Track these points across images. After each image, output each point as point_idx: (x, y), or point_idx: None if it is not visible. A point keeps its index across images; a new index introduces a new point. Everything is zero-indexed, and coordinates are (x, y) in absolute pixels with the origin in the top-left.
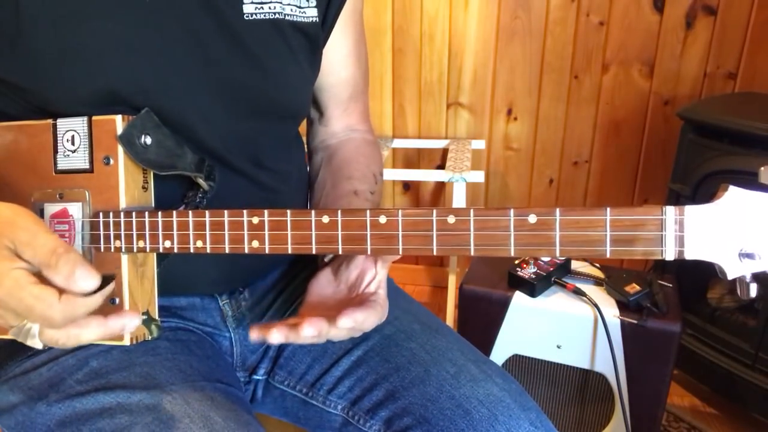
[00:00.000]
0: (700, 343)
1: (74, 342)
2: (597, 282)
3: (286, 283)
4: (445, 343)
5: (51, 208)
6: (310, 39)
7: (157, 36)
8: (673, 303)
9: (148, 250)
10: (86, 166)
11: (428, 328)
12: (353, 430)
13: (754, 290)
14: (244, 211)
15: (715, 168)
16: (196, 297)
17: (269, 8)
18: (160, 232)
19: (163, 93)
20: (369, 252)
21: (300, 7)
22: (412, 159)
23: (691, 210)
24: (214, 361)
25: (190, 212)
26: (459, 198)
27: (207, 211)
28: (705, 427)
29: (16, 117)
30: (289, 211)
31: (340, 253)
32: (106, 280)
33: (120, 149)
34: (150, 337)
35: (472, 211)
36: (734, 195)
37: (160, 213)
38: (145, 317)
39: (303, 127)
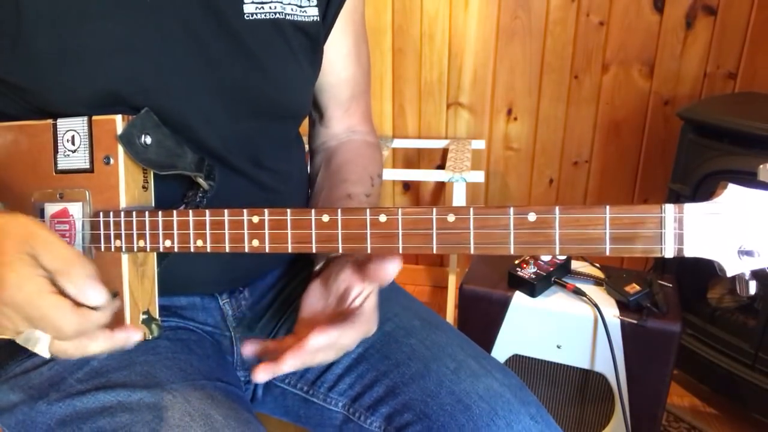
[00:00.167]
0: (700, 343)
1: (81, 353)
2: (597, 282)
3: (285, 283)
4: (445, 339)
5: (51, 208)
6: (311, 38)
7: (157, 36)
8: (673, 303)
9: (148, 249)
10: (86, 165)
11: (428, 325)
12: (354, 427)
13: (753, 287)
14: (244, 210)
15: (715, 168)
16: (196, 296)
17: (270, 8)
18: (161, 232)
19: (164, 93)
20: (369, 251)
21: (301, 7)
22: (412, 159)
23: (690, 208)
24: (214, 360)
25: (191, 211)
26: (459, 198)
27: (207, 211)
28: (705, 427)
29: (16, 117)
30: (289, 210)
31: (340, 252)
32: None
33: (120, 149)
34: (150, 337)
35: (471, 209)
36: (733, 193)
37: (160, 212)
38: (145, 316)
39: (304, 128)
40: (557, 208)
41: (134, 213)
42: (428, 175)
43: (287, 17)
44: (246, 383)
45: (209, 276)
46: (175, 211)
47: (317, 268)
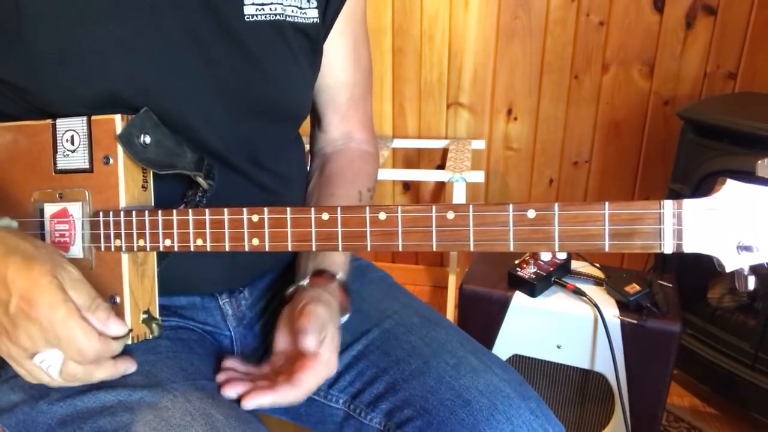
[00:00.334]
0: (700, 343)
1: (88, 378)
2: (597, 282)
3: (285, 282)
4: (445, 335)
5: (51, 208)
6: (311, 40)
7: (157, 37)
8: (673, 303)
9: (148, 248)
10: (86, 165)
11: (428, 321)
12: (355, 423)
13: (752, 283)
14: (244, 209)
15: (715, 168)
16: (196, 296)
17: (270, 9)
18: (160, 231)
19: (164, 94)
20: (369, 248)
21: (300, 8)
22: (412, 159)
23: (689, 203)
24: (215, 360)
25: (190, 210)
26: (459, 198)
27: (207, 210)
28: (705, 427)
29: (16, 117)
30: (288, 209)
31: (340, 250)
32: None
33: (119, 149)
34: (151, 336)
35: (471, 206)
36: (732, 188)
37: (160, 212)
38: (145, 316)
39: (305, 129)
40: (556, 204)
41: (134, 212)
42: (428, 175)
43: (287, 18)
44: None
45: (209, 276)
46: (174, 211)
47: (289, 292)
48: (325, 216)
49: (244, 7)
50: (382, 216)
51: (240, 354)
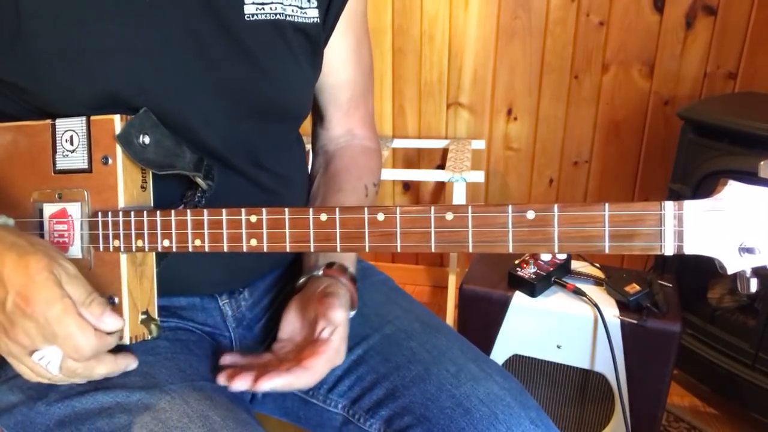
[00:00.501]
0: (700, 343)
1: (88, 374)
2: (597, 282)
3: (285, 283)
4: (446, 342)
5: (50, 208)
6: (311, 40)
7: (157, 37)
8: (673, 303)
9: (146, 249)
10: (85, 165)
11: (428, 328)
12: (353, 429)
13: (754, 285)
14: (243, 210)
15: (715, 168)
16: (195, 297)
17: (270, 9)
18: (159, 232)
19: (164, 94)
20: (367, 249)
21: (301, 8)
22: (412, 159)
23: (690, 205)
24: (213, 361)
25: (188, 211)
26: (459, 198)
27: (205, 210)
28: (705, 427)
29: (15, 117)
30: (287, 209)
31: (338, 251)
32: None
33: (118, 149)
34: (149, 337)
35: (470, 207)
36: (734, 189)
37: (158, 212)
38: (144, 317)
39: (305, 128)
40: (556, 205)
41: (133, 213)
42: (428, 175)
43: (287, 18)
44: None
45: (209, 277)
46: (173, 211)
47: (299, 283)
48: (324, 217)
49: (245, 6)
50: (381, 217)
51: None
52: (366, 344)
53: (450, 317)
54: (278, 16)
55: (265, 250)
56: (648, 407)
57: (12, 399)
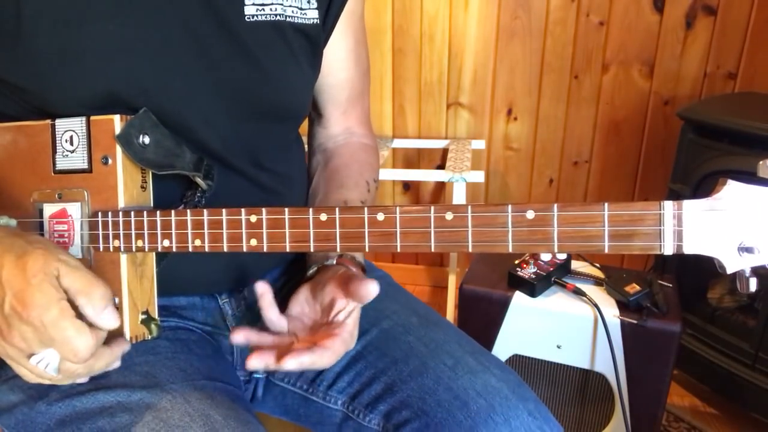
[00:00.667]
0: (700, 343)
1: (88, 371)
2: (597, 282)
3: (285, 282)
4: (443, 336)
5: (50, 208)
6: (311, 40)
7: (158, 37)
8: (673, 303)
9: (147, 249)
10: (85, 166)
11: (426, 322)
12: (353, 424)
13: (753, 284)
14: (242, 210)
15: (715, 168)
16: (195, 297)
17: (270, 10)
18: (159, 232)
19: (164, 94)
20: (367, 249)
21: (301, 9)
22: (412, 159)
23: (689, 204)
24: (214, 360)
25: (188, 211)
26: (459, 198)
27: (205, 210)
28: (705, 427)
29: (15, 118)
30: (287, 209)
31: (338, 251)
32: None
33: (118, 149)
34: (150, 337)
35: (469, 207)
36: (733, 189)
37: (158, 212)
38: (144, 316)
39: (304, 129)
40: (555, 205)
41: (133, 213)
42: (428, 175)
43: (287, 19)
44: (246, 383)
45: (209, 276)
46: (173, 211)
47: (310, 273)
48: (324, 217)
49: (245, 7)
50: (381, 217)
51: (240, 355)
52: (364, 340)
53: (450, 317)
54: (278, 17)
55: (265, 250)
56: (648, 407)
57: (12, 398)
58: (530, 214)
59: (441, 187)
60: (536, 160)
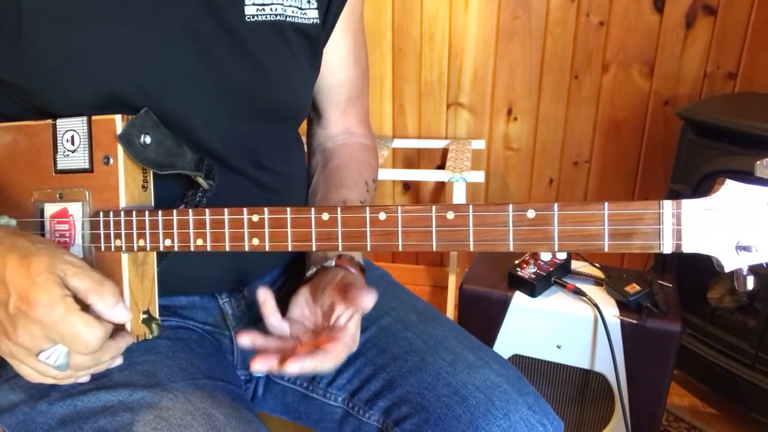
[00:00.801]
0: (700, 343)
1: (95, 364)
2: (597, 282)
3: (285, 281)
4: (442, 332)
5: (51, 208)
6: (311, 40)
7: (158, 38)
8: (673, 303)
9: (148, 249)
10: (86, 165)
11: (425, 318)
12: (353, 421)
13: (751, 283)
14: (245, 209)
15: (715, 168)
16: (196, 296)
17: (270, 10)
18: (161, 231)
19: (164, 95)
20: (369, 248)
21: (301, 9)
22: (412, 159)
23: (688, 204)
24: (214, 360)
25: (190, 210)
26: (459, 198)
27: (207, 210)
28: (705, 427)
29: (16, 118)
30: (288, 209)
31: (340, 250)
32: None
33: (120, 149)
34: (150, 336)
35: (470, 206)
36: (731, 188)
37: (160, 212)
38: (145, 316)
39: (303, 128)
40: (556, 204)
41: (134, 212)
42: (428, 175)
43: (288, 19)
44: (246, 382)
45: (209, 276)
46: (174, 211)
47: (309, 273)
48: (325, 216)
49: (245, 7)
50: (382, 216)
51: (240, 354)
52: (363, 336)
53: (450, 317)
54: (278, 17)
55: (267, 249)
56: (648, 407)
57: (13, 398)
58: (531, 214)
59: (441, 187)
60: (536, 160)
